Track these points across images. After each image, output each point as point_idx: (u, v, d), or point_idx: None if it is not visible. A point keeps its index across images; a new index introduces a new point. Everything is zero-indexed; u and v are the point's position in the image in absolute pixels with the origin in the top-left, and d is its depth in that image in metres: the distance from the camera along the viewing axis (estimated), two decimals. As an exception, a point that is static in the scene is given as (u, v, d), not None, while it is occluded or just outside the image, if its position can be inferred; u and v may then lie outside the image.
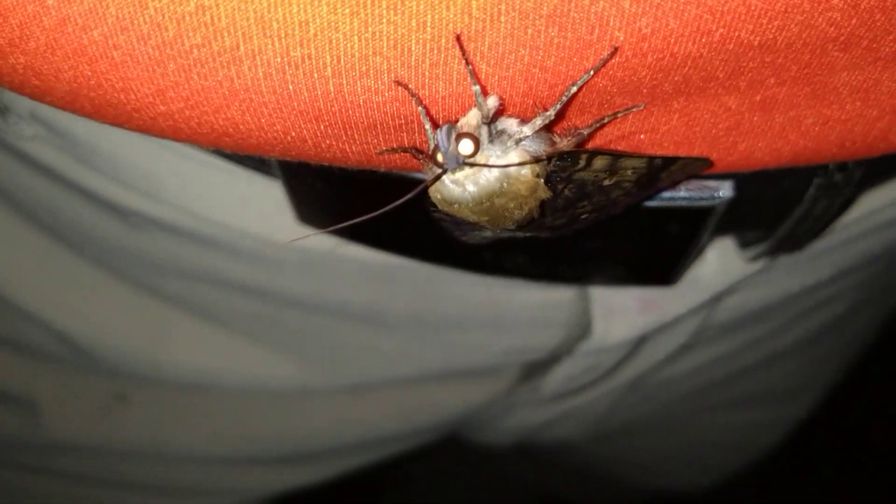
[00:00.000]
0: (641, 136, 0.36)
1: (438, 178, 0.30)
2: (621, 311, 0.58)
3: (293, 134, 0.33)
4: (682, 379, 0.75)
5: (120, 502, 0.74)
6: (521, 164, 0.29)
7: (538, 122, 0.30)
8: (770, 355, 0.76)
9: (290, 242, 0.52)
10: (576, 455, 1.00)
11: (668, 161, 0.35)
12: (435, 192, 0.31)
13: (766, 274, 0.58)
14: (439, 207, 0.32)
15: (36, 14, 0.28)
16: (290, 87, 0.30)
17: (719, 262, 0.55)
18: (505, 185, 0.30)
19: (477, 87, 0.29)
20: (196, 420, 0.69)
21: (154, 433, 0.70)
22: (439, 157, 0.30)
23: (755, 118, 0.36)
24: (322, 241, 0.52)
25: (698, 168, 0.37)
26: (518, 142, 0.30)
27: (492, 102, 0.30)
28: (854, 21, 0.30)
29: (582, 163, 0.32)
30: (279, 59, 0.29)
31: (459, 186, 0.30)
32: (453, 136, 0.29)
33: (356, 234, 0.51)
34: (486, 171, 0.30)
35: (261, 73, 0.29)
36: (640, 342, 0.63)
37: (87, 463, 0.71)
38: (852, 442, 1.33)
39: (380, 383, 0.69)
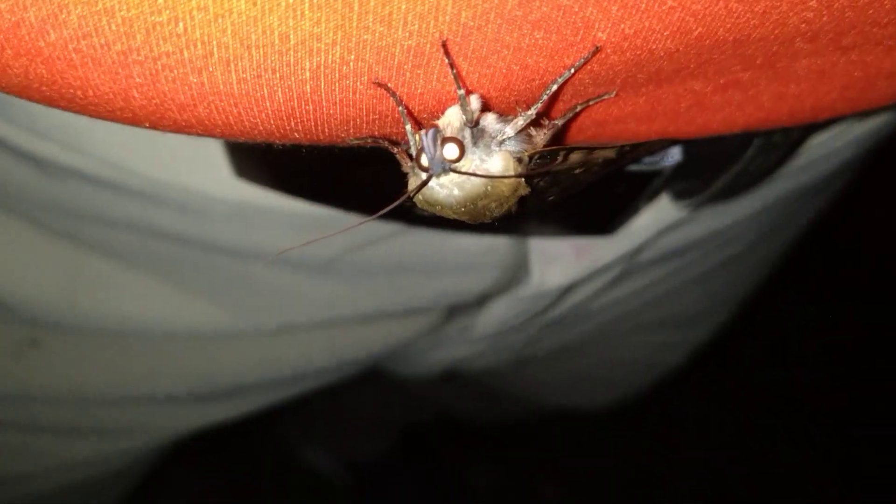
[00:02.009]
0: (605, 116, 0.36)
1: (426, 183, 0.29)
2: (558, 258, 0.59)
3: (261, 128, 0.31)
4: (601, 311, 0.77)
5: (38, 446, 0.72)
6: (505, 177, 0.29)
7: (520, 122, 0.30)
8: (681, 284, 0.79)
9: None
10: (484, 378, 1.02)
11: (636, 146, 0.35)
12: (418, 195, 0.30)
13: (692, 217, 0.59)
14: (419, 207, 0.31)
15: None
16: (265, 90, 0.28)
17: (653, 212, 0.56)
18: (489, 188, 0.30)
19: (462, 91, 0.28)
20: (113, 362, 0.67)
21: (69, 376, 0.67)
22: (424, 161, 0.29)
23: (716, 97, 0.36)
24: (253, 193, 0.51)
25: (660, 146, 0.37)
26: (501, 143, 0.30)
27: (475, 104, 0.29)
28: (825, 18, 0.30)
29: (560, 158, 0.32)
30: (255, 67, 0.27)
31: (445, 189, 0.29)
32: (438, 140, 0.28)
33: (293, 188, 0.50)
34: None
35: (234, 79, 0.28)
36: (571, 286, 0.64)
37: (1, 408, 0.69)
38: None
39: (306, 325, 0.68)
